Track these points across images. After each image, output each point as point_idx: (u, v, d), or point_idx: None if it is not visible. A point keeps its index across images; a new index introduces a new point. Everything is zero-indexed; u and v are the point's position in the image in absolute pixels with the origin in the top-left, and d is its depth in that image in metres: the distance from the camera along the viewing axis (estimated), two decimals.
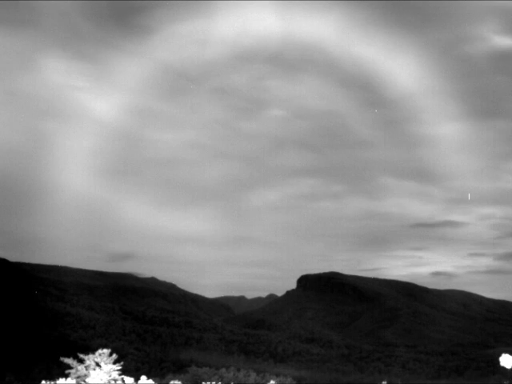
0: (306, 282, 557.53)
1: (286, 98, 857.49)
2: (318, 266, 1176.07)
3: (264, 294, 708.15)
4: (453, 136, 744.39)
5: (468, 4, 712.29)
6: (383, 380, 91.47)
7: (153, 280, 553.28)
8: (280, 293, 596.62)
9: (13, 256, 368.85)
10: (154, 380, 32.08)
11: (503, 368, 28.52)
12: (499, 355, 28.72)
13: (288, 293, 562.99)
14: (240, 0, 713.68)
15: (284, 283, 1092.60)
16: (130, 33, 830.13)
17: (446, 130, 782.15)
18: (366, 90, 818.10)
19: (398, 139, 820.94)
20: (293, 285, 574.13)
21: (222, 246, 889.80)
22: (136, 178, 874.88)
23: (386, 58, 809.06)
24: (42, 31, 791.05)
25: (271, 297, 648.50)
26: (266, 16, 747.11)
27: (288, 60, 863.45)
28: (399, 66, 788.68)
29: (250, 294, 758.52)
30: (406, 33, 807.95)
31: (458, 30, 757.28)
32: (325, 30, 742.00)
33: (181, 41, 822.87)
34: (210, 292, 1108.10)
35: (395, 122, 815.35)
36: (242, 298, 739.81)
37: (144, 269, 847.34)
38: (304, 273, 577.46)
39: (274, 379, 71.74)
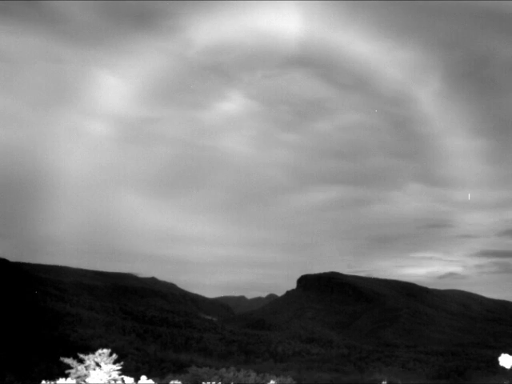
0: (305, 282, 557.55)
1: (328, 110, 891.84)
2: (319, 266, 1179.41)
3: (264, 294, 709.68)
4: (479, 148, 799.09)
5: (496, 21, 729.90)
6: (383, 380, 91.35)
7: (153, 280, 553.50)
8: (280, 293, 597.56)
9: (13, 256, 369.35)
10: (154, 380, 32.07)
11: (503, 368, 28.50)
12: (499, 355, 28.70)
13: (288, 293, 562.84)
14: (272, 0, 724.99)
15: (284, 283, 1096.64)
16: (164, 38, 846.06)
17: (474, 143, 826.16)
18: (398, 105, 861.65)
19: (429, 151, 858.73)
20: (293, 285, 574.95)
21: (223, 246, 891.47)
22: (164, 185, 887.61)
23: (416, 75, 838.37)
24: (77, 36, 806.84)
25: (271, 297, 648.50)
26: (292, 21, 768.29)
27: (325, 71, 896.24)
28: (428, 82, 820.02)
29: (250, 294, 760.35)
30: (433, 50, 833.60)
31: (483, 46, 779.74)
32: (361, 46, 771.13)
33: (221, 47, 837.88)
34: (210, 292, 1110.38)
35: (426, 135, 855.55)
36: (241, 298, 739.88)
37: (144, 269, 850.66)
38: (304, 273, 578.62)
39: (274, 379, 71.66)
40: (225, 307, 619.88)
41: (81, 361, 28.41)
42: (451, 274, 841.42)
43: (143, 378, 29.79)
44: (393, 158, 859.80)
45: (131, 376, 29.18)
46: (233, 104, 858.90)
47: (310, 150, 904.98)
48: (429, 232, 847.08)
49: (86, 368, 27.99)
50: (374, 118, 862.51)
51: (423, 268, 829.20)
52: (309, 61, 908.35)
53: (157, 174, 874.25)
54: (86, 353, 28.53)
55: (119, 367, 28.21)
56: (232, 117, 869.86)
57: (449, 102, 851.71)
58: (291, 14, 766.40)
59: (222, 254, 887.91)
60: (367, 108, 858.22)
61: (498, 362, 28.34)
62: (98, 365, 28.00)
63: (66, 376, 28.20)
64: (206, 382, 63.83)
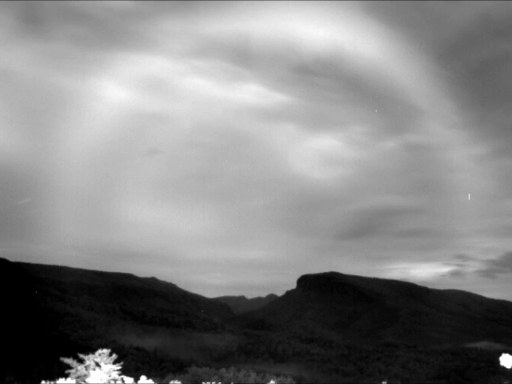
0: (305, 282, 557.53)
1: (396, 130, 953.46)
2: (319, 266, 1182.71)
3: (264, 294, 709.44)
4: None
5: None
6: (383, 380, 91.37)
7: (153, 280, 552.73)
8: (280, 293, 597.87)
9: (13, 256, 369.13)
10: (153, 380, 32.08)
11: (503, 368, 28.52)
12: (499, 355, 28.73)
13: (288, 293, 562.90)
14: None
15: (284, 283, 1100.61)
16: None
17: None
18: (455, 127, 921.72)
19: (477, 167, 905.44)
20: (293, 285, 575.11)
21: (223, 246, 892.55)
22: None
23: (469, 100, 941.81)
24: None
25: (271, 297, 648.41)
26: (360, 42, 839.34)
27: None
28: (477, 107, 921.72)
29: (250, 294, 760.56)
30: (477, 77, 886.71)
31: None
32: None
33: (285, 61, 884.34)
34: (210, 292, 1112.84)
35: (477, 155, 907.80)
36: (241, 298, 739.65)
37: (144, 269, 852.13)
38: (304, 273, 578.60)
39: (273, 379, 71.66)
40: (225, 307, 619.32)
41: (81, 361, 28.43)
42: (453, 275, 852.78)
43: (143, 378, 29.81)
44: (448, 173, 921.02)
45: (131, 376, 29.20)
46: (296, 122, 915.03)
47: (371, 166, 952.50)
48: (432, 233, 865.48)
49: (86, 368, 28.01)
50: (434, 138, 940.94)
51: (425, 269, 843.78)
52: (380, 82, 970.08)
53: (161, 178, 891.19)
54: (86, 353, 28.54)
55: (119, 367, 28.23)
56: (299, 133, 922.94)
57: (492, 125, 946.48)
58: (363, 35, 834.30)
59: (222, 253, 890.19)
60: (430, 130, 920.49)
61: (498, 361, 28.37)
62: (97, 365, 28.01)
63: (66, 376, 28.21)
64: (205, 381, 63.83)
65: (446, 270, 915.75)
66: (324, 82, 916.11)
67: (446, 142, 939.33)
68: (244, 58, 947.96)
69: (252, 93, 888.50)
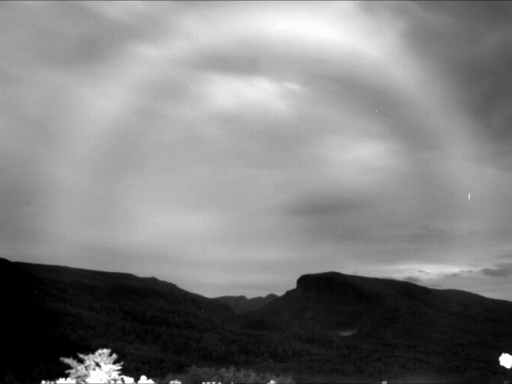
0: (305, 282, 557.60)
1: (423, 141, 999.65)
2: (319, 266, 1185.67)
3: (264, 294, 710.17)
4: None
5: None
6: (383, 380, 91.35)
7: (153, 280, 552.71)
8: (280, 293, 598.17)
9: (13, 256, 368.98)
10: (153, 380, 32.04)
11: (503, 368, 28.49)
12: (499, 355, 28.70)
13: (288, 293, 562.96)
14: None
15: (284, 283, 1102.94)
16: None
17: None
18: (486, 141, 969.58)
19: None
20: (293, 285, 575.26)
21: (223, 246, 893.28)
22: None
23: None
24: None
25: (271, 297, 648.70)
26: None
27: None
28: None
29: (250, 294, 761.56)
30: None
31: None
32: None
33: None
34: (210, 292, 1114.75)
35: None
36: (241, 298, 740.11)
37: (144, 269, 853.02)
38: (304, 273, 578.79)
39: (273, 379, 71.66)
40: (225, 307, 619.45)
41: (81, 361, 28.38)
42: (445, 274, 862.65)
43: (143, 378, 29.78)
44: (472, 181, 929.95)
45: (131, 376, 29.17)
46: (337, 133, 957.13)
47: (403, 175, 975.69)
48: (432, 234, 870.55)
49: (86, 368, 27.96)
50: (463, 150, 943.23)
51: (427, 269, 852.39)
52: (416, 98, 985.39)
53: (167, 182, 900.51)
54: (86, 353, 28.51)
55: (119, 367, 28.20)
56: (338, 143, 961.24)
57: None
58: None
59: (222, 253, 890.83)
60: (459, 142, 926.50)
61: (498, 361, 28.34)
62: (97, 365, 27.98)
63: (66, 376, 28.17)
64: (205, 381, 63.82)
65: (457, 270, 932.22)
66: (364, 95, 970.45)
67: (473, 153, 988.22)
68: (287, 71, 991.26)
69: (293, 105, 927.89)
